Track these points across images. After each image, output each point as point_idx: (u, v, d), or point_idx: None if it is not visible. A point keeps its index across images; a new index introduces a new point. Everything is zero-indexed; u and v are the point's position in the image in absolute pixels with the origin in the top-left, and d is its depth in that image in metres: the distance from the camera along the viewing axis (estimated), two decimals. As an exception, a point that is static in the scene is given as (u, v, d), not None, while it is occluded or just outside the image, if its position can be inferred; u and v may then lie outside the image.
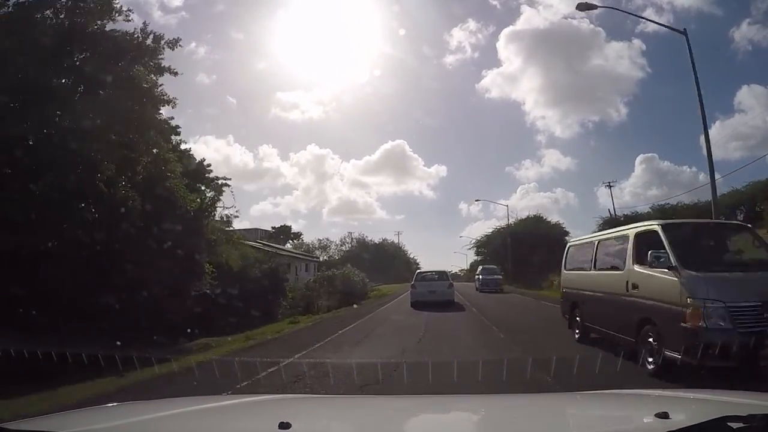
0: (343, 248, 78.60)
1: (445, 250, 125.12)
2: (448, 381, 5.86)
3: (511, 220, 56.55)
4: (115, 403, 2.74)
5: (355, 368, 7.22)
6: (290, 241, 69.83)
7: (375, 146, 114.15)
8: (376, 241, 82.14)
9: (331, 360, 8.47)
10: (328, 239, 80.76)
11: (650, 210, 41.95)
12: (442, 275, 23.70)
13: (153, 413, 2.12)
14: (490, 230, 59.55)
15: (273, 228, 72.37)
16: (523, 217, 55.05)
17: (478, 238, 61.28)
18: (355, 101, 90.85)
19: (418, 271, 26.72)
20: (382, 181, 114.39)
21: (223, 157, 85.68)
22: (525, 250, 45.74)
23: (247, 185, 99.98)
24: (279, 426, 1.59)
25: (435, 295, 20.84)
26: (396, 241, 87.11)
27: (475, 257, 69.98)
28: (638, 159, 79.31)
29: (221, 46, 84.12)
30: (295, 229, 75.65)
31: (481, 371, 5.91)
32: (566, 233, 50.69)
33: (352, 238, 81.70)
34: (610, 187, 49.75)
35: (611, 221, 45.43)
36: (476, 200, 60.17)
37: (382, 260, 73.64)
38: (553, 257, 41.64)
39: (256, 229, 63.88)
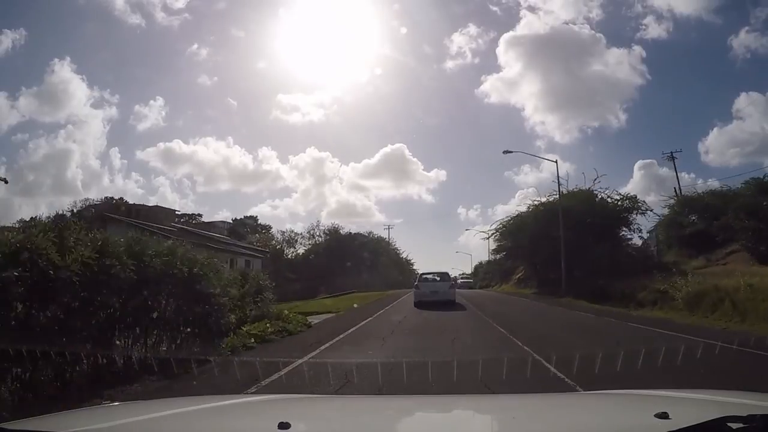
0: (311, 242, 61.68)
1: (443, 254, 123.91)
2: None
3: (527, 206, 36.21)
4: (115, 403, 2.75)
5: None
6: (256, 234, 60.39)
7: (375, 150, 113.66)
8: (352, 232, 63.50)
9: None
10: (293, 231, 64.22)
11: (743, 184, 31.63)
12: (444, 277, 25.23)
13: (153, 413, 2.11)
14: (524, 207, 37.14)
15: (234, 219, 63.56)
16: (570, 190, 34.12)
17: (503, 220, 38.33)
18: (356, 104, 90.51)
19: (422, 272, 27.96)
20: (382, 184, 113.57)
21: (223, 158, 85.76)
22: (580, 242, 29.16)
23: (246, 187, 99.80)
24: (278, 426, 1.59)
25: (437, 295, 22.10)
26: (387, 237, 71.62)
27: (492, 255, 50.88)
28: (637, 165, 78.85)
29: (223, 48, 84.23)
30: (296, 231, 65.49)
31: None
32: (644, 210, 32.74)
33: (328, 229, 62.33)
34: (673, 158, 39.87)
35: (688, 201, 34.61)
36: (505, 152, 36.80)
37: (364, 258, 58.53)
38: (622, 252, 29.53)
39: (221, 222, 60.67)
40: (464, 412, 2.41)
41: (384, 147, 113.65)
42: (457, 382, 6.01)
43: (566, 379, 6.44)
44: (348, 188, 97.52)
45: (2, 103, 67.76)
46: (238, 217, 66.76)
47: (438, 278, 24.89)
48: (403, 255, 75.96)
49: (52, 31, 72.08)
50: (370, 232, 67.93)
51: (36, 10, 66.17)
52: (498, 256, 48.14)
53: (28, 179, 73.10)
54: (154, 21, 76.29)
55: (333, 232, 61.57)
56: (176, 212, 55.59)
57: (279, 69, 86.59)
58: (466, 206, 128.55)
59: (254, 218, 67.71)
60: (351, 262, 54.94)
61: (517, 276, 48.72)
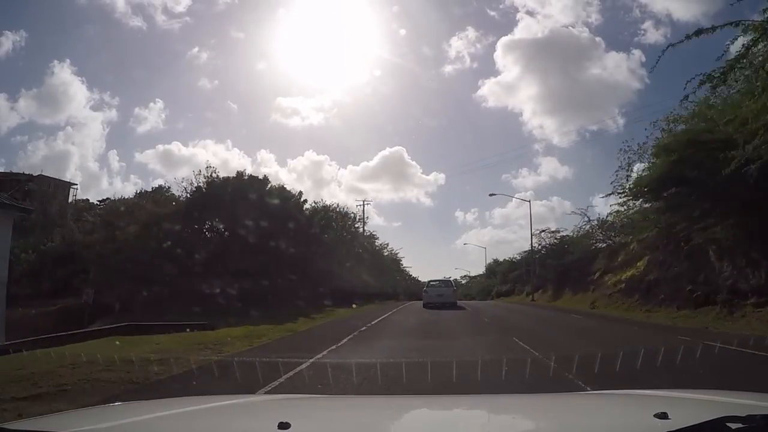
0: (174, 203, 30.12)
1: (442, 258, 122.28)
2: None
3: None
4: (117, 403, 2.75)
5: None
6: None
7: (373, 153, 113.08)
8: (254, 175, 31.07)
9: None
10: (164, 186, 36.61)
11: None
12: (447, 283, 31.71)
13: (153, 413, 2.12)
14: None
15: (141, 191, 39.12)
16: None
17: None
18: (354, 107, 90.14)
19: (429, 280, 32.39)
20: (380, 187, 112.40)
21: (222, 161, 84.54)
22: None
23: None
24: (278, 426, 1.58)
25: (442, 298, 27.57)
26: (361, 216, 47.39)
27: (634, 201, 21.57)
28: (635, 168, 77.07)
29: (223, 51, 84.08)
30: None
31: None
32: None
33: (206, 179, 28.86)
34: None
35: None
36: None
37: (291, 239, 27.13)
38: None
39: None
40: (464, 412, 2.40)
41: (383, 150, 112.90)
42: None
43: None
44: (346, 191, 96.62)
45: (2, 104, 67.84)
46: (148, 190, 41.46)
47: (442, 284, 30.75)
48: (385, 246, 52.52)
49: (52, 32, 72.22)
50: (315, 204, 37.06)
51: (36, 12, 66.26)
52: (643, 205, 21.72)
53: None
54: (154, 24, 76.24)
55: (215, 185, 28.40)
56: (73, 185, 50.52)
57: (278, 72, 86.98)
58: (464, 209, 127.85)
59: (164, 189, 44.68)
60: (255, 249, 25.18)
61: (627, 274, 24.55)
